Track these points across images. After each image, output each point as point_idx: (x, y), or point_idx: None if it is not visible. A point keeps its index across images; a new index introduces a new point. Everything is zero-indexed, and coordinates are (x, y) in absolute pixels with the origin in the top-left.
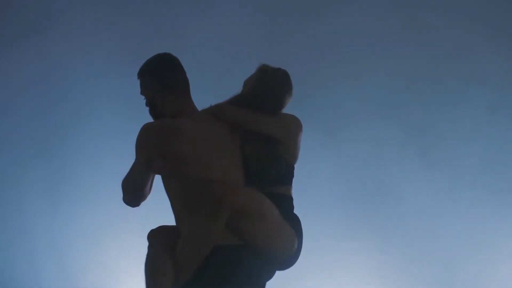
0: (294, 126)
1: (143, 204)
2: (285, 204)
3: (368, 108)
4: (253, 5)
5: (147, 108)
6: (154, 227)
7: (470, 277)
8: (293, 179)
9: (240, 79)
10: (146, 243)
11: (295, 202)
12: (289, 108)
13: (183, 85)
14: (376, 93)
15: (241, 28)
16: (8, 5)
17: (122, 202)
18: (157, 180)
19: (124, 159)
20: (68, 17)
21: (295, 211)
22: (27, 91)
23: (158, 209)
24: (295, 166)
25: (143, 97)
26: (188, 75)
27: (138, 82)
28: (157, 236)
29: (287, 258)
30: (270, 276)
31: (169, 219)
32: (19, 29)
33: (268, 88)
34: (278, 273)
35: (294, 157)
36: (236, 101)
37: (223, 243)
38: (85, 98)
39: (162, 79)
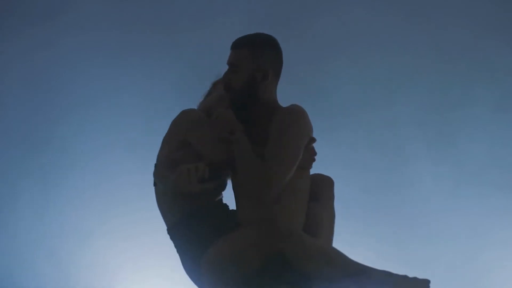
0: None
1: (136, 200)
2: None
3: (372, 105)
4: None
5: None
6: (147, 225)
7: (478, 274)
8: None
9: None
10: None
11: None
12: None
13: (280, 72)
14: (381, 89)
15: (242, 22)
16: None
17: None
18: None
19: (119, 155)
20: (67, 9)
21: None
22: (20, 84)
23: (151, 207)
24: None
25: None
26: (193, 70)
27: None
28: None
29: None
30: None
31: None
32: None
33: None
34: None
35: None
36: None
37: None
38: (81, 92)
39: (272, 57)
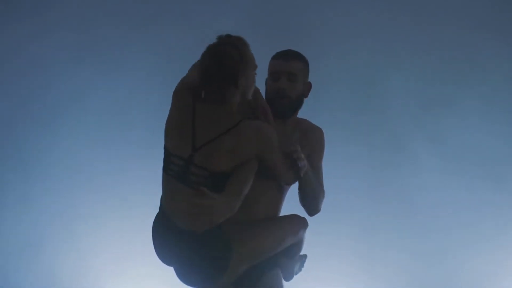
0: None
1: (121, 199)
2: None
3: (370, 102)
4: None
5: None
6: (133, 224)
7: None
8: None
9: None
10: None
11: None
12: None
13: None
14: (379, 86)
15: (240, 18)
16: None
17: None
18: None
19: (105, 153)
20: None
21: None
22: (6, 78)
23: (137, 205)
24: None
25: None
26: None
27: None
28: None
29: None
30: None
31: (147, 217)
32: None
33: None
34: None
35: None
36: None
37: None
38: (67, 89)
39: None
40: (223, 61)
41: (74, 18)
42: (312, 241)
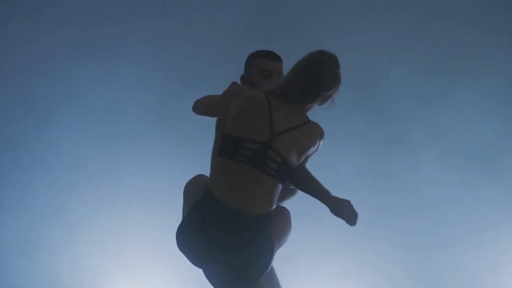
0: None
1: (121, 198)
2: None
3: (368, 96)
4: None
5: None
6: (129, 223)
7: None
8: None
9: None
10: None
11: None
12: None
13: None
14: (379, 80)
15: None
16: None
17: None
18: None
19: (104, 150)
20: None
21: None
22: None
23: (133, 205)
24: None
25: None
26: (192, 61)
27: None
28: None
29: None
30: None
31: (147, 215)
32: None
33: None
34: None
35: None
36: None
37: None
38: (64, 87)
39: None
40: (332, 85)
41: (73, 15)
42: (310, 236)
